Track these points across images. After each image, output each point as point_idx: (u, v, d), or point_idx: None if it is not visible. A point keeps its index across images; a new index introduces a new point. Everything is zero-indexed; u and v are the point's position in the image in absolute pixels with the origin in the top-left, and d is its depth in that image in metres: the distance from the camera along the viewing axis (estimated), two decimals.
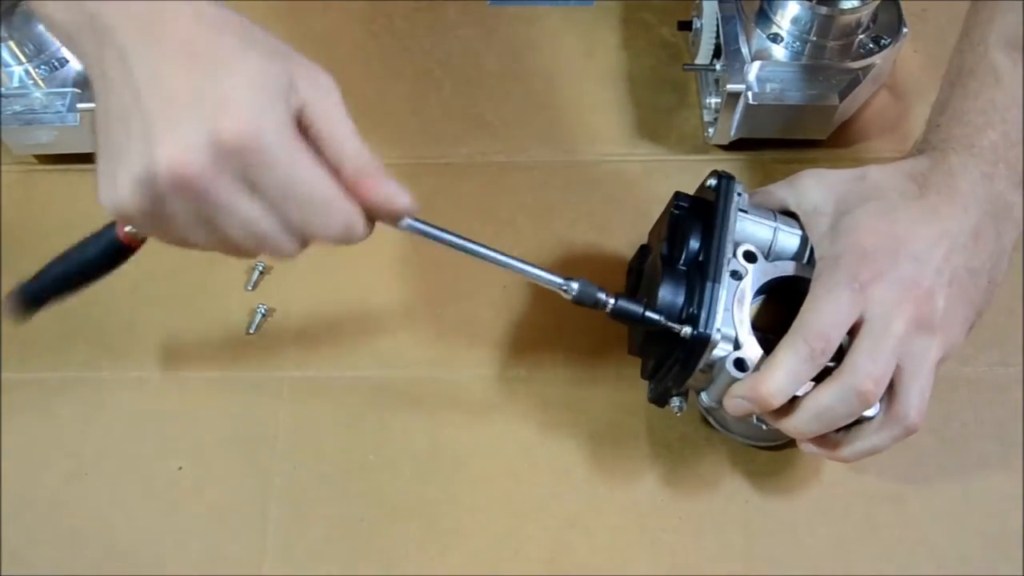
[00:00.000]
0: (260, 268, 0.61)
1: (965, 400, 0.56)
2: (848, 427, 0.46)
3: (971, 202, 0.45)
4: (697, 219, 0.49)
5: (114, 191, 0.37)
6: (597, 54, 0.71)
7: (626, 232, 0.62)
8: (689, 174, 0.64)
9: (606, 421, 0.56)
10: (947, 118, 0.48)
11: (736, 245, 0.47)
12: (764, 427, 0.48)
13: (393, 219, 0.42)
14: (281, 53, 0.39)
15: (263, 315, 0.59)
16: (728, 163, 0.65)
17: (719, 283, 0.46)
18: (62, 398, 0.57)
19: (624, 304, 0.46)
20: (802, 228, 0.48)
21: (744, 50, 0.61)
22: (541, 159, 0.66)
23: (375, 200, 0.41)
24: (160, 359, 0.58)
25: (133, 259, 0.62)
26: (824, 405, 0.44)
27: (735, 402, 0.45)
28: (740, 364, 0.45)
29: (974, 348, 0.57)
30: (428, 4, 0.73)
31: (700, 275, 0.46)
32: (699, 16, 0.66)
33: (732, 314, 0.46)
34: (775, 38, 0.61)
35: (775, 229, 0.48)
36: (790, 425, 0.45)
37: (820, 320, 0.43)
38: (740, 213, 0.48)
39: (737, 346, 0.46)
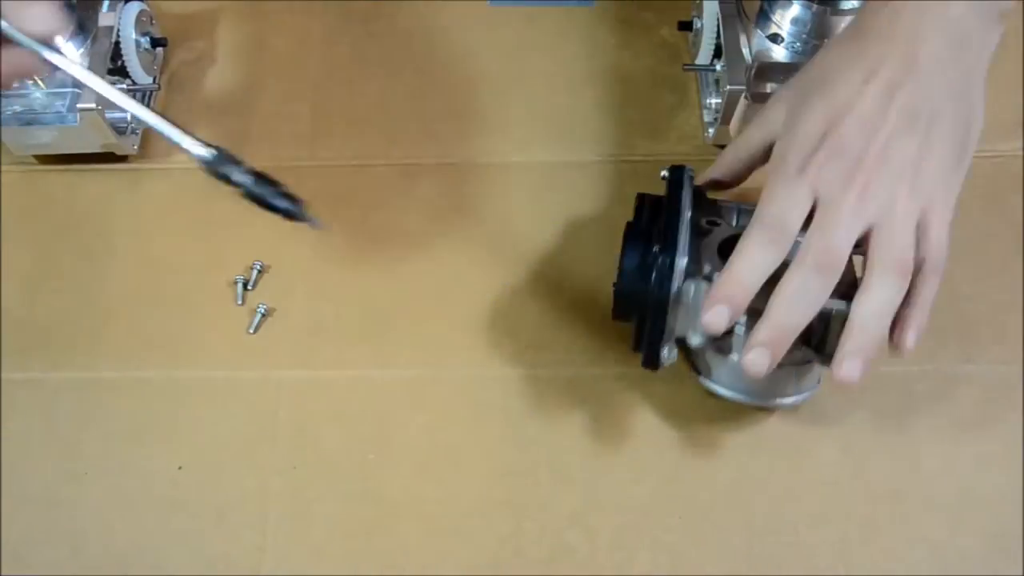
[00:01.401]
0: (259, 267, 0.61)
1: (965, 398, 0.56)
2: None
3: (912, 36, 0.44)
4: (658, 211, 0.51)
5: None
6: (597, 54, 0.71)
7: None
8: None
9: (607, 421, 0.56)
10: None
11: (700, 216, 0.50)
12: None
13: None
14: None
15: (263, 315, 0.59)
16: None
17: (679, 208, 0.48)
18: (62, 398, 0.57)
19: (259, 187, 0.44)
20: None
21: (744, 50, 0.61)
22: (541, 159, 0.66)
23: None
24: (160, 359, 0.58)
25: (133, 259, 0.62)
26: (794, 287, 0.44)
27: (712, 313, 0.45)
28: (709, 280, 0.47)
29: (974, 346, 0.57)
30: (428, 4, 0.73)
31: (662, 232, 0.48)
32: (699, 16, 0.66)
33: (699, 253, 0.48)
34: (775, 38, 0.61)
35: (736, 210, 0.51)
36: (774, 322, 0.44)
37: (773, 205, 0.45)
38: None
39: (709, 279, 0.48)
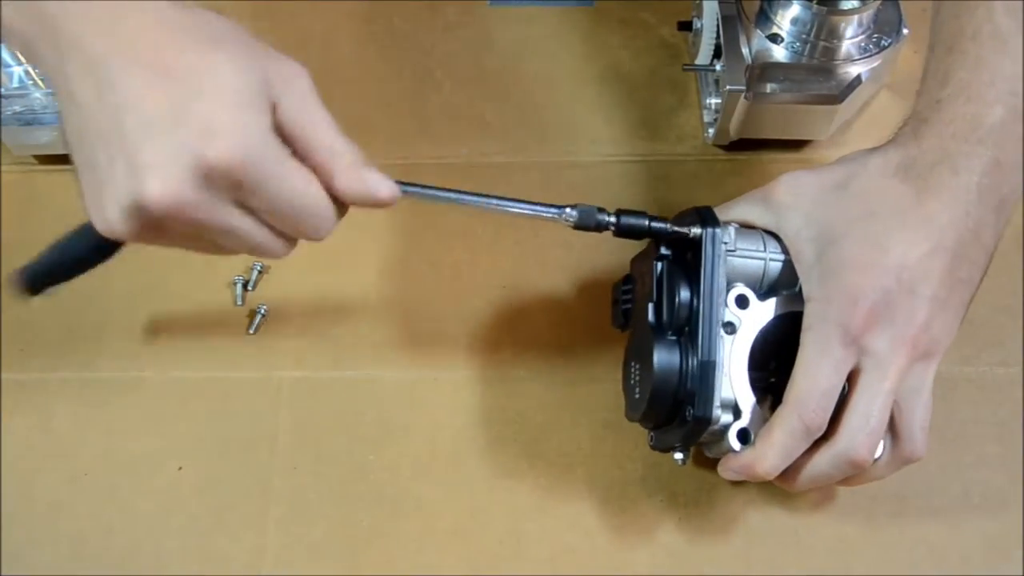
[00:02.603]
0: (259, 268, 0.61)
1: (965, 400, 0.56)
2: None
3: (973, 201, 0.41)
4: (682, 273, 0.46)
5: (103, 217, 0.37)
6: (597, 54, 0.71)
7: None
8: (689, 174, 0.65)
9: (606, 421, 0.56)
10: (950, 92, 0.42)
11: (727, 287, 0.45)
12: None
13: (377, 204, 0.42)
14: (251, 52, 0.37)
15: (263, 315, 0.59)
16: (728, 163, 0.65)
17: (713, 359, 0.44)
18: (62, 398, 0.57)
19: (628, 219, 0.46)
20: (785, 251, 0.46)
21: (744, 50, 0.61)
22: (541, 159, 0.66)
23: (357, 196, 0.41)
24: (160, 359, 0.58)
25: (133, 259, 0.62)
26: (820, 472, 0.43)
27: (730, 474, 0.45)
28: (743, 436, 0.45)
29: (974, 348, 0.57)
30: (428, 4, 0.73)
31: (692, 344, 0.45)
32: (699, 16, 0.66)
33: (729, 377, 0.45)
34: (775, 38, 0.61)
35: (764, 261, 0.47)
36: (785, 487, 0.46)
37: (814, 388, 0.41)
38: (727, 253, 0.46)
39: (737, 413, 0.45)
